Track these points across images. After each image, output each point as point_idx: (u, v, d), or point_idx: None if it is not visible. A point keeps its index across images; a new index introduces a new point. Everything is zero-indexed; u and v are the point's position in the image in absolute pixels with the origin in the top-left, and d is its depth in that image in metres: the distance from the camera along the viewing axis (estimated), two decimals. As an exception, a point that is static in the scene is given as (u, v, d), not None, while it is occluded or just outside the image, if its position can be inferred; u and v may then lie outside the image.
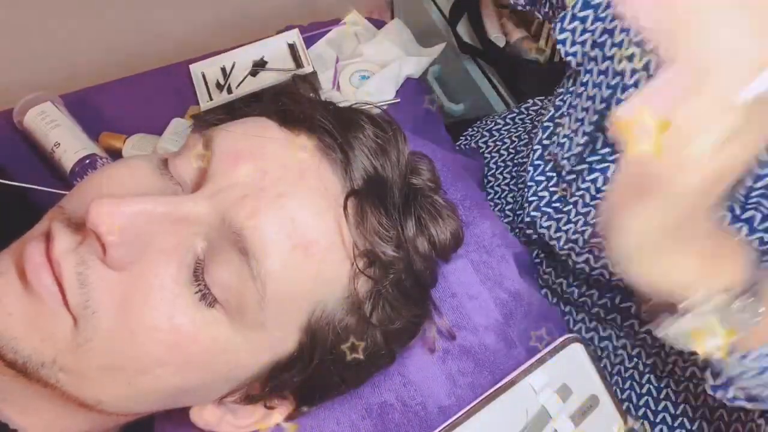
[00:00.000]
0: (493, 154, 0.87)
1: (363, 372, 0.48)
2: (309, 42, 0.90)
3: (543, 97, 0.89)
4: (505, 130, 0.89)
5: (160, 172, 0.42)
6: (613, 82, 0.57)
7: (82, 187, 0.43)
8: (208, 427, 0.46)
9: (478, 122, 0.94)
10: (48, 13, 1.05)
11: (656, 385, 0.66)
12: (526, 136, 0.84)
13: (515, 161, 0.83)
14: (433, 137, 0.81)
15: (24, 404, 0.43)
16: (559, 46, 0.62)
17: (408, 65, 0.87)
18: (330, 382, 0.46)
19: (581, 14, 0.60)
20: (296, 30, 0.89)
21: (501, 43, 1.05)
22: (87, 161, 0.73)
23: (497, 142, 0.87)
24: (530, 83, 1.02)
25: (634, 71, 0.54)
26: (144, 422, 0.49)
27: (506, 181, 0.83)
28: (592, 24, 0.60)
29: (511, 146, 0.86)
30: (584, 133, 0.61)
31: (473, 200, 0.63)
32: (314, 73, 0.84)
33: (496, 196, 0.84)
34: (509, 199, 0.82)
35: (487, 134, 0.90)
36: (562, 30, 0.60)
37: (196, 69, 0.87)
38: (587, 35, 0.60)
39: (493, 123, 0.91)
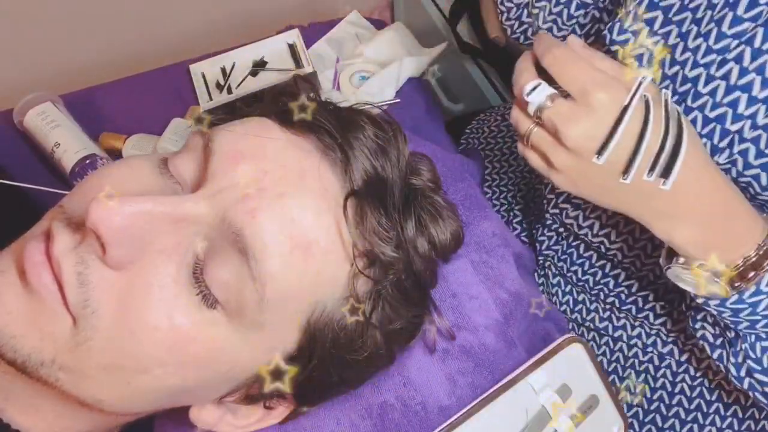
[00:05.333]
0: (495, 152, 0.86)
1: (362, 372, 0.48)
2: (309, 42, 0.90)
3: None
4: (504, 126, 0.88)
5: (159, 171, 0.42)
6: (682, 89, 0.52)
7: (83, 186, 0.43)
8: (207, 426, 0.46)
9: (479, 117, 0.94)
10: (48, 14, 1.05)
11: (671, 379, 0.66)
12: None
13: (518, 161, 0.83)
14: (433, 137, 0.81)
15: (25, 404, 0.43)
16: (614, 48, 0.55)
17: (408, 65, 0.88)
18: (329, 382, 0.46)
19: (647, 16, 0.55)
20: (296, 30, 0.89)
21: (501, 43, 1.05)
22: (87, 161, 0.73)
23: (498, 140, 0.87)
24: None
25: (710, 78, 0.50)
26: (144, 422, 0.49)
27: (504, 181, 0.83)
28: (662, 27, 0.54)
29: (513, 145, 0.85)
30: None
31: (473, 200, 0.63)
32: (314, 73, 0.85)
33: (494, 197, 0.84)
34: (509, 199, 0.82)
35: (486, 130, 0.90)
36: (623, 31, 0.55)
37: (196, 69, 0.87)
38: (665, 49, 0.53)
39: (492, 119, 0.91)
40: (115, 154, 0.79)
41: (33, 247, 0.38)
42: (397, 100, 0.85)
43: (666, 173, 0.43)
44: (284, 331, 0.42)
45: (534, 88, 0.47)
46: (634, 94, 0.44)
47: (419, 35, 0.97)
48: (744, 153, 0.49)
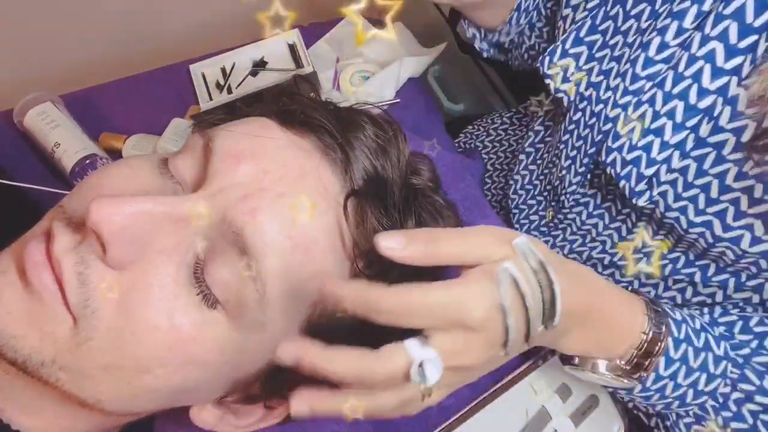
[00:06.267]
0: (491, 156, 0.87)
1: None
2: (309, 42, 0.90)
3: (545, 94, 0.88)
4: (502, 130, 0.88)
5: (159, 171, 0.42)
6: (605, 128, 0.53)
7: (83, 186, 0.43)
8: (207, 426, 0.46)
9: (481, 119, 0.94)
10: (48, 14, 1.05)
11: None
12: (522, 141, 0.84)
13: (510, 166, 0.83)
14: (433, 137, 0.81)
15: (25, 404, 0.43)
16: (547, 81, 0.56)
17: (408, 65, 0.87)
18: (329, 382, 0.46)
19: (573, 51, 0.56)
20: (296, 30, 0.89)
21: (501, 44, 1.05)
22: (87, 161, 0.73)
23: (495, 143, 0.87)
24: (530, 83, 1.02)
25: (628, 119, 0.50)
26: (144, 422, 0.49)
27: (497, 184, 0.83)
28: (586, 63, 0.55)
29: (509, 149, 0.86)
30: (576, 173, 0.59)
31: (473, 200, 0.63)
32: (314, 73, 0.85)
33: (493, 198, 0.84)
34: (499, 203, 0.82)
35: (485, 134, 0.90)
36: (552, 65, 0.56)
37: (196, 69, 0.87)
38: (582, 74, 0.56)
39: (491, 122, 0.91)
40: (115, 154, 0.79)
41: (33, 247, 0.38)
42: (397, 100, 0.85)
43: (551, 318, 0.38)
44: (285, 330, 0.42)
45: (420, 366, 0.35)
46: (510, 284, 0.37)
47: (419, 35, 0.97)
48: (663, 195, 0.49)
